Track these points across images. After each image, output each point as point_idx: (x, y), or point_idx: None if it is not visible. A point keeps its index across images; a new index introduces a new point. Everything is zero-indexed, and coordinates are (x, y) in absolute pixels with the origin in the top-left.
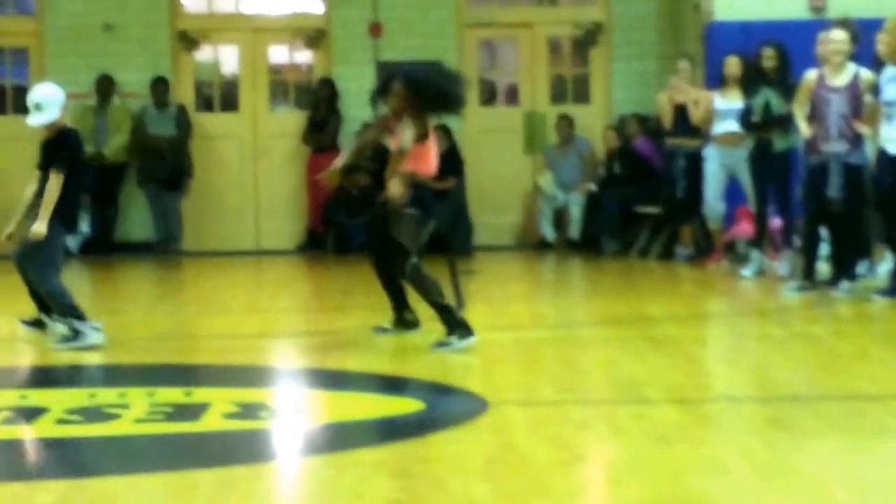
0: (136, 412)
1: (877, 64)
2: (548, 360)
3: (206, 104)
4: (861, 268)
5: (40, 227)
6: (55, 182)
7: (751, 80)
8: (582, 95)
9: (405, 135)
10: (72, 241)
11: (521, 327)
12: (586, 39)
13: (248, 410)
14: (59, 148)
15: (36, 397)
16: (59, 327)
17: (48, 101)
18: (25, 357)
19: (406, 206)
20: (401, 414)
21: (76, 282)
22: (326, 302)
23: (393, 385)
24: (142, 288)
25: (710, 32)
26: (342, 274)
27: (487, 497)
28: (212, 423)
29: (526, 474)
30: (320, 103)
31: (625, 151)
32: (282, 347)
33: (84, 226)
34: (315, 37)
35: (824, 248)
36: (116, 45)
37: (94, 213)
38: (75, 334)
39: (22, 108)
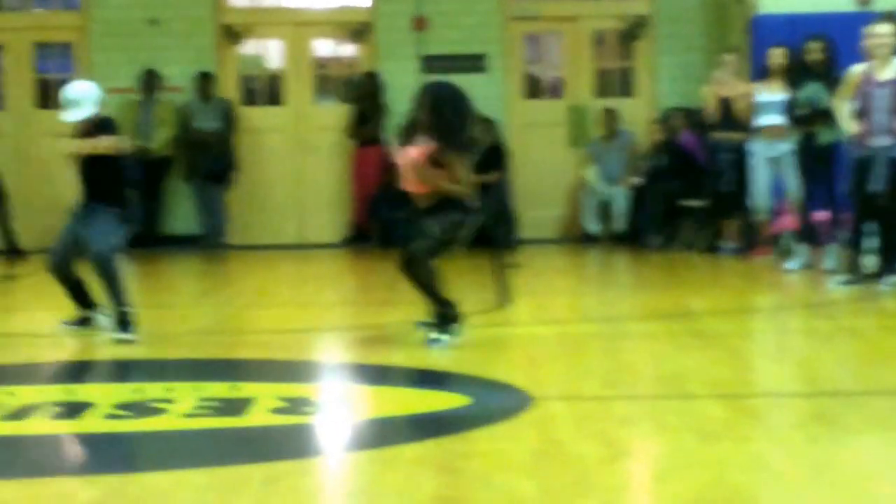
0: (182, 407)
1: None
2: (592, 354)
3: (250, 98)
4: None
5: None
6: (112, 141)
7: (796, 73)
8: (626, 89)
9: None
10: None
11: (565, 321)
12: (631, 33)
13: (294, 405)
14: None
15: (83, 392)
16: (103, 319)
17: (83, 98)
18: (71, 352)
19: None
20: (445, 409)
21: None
22: (371, 296)
23: (437, 380)
24: (187, 282)
25: (755, 25)
26: (387, 268)
27: (532, 493)
28: (257, 417)
29: (570, 470)
30: (365, 97)
31: (669, 145)
32: (327, 342)
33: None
34: (360, 30)
35: (871, 242)
36: (161, 39)
37: (140, 207)
38: (123, 325)
39: None
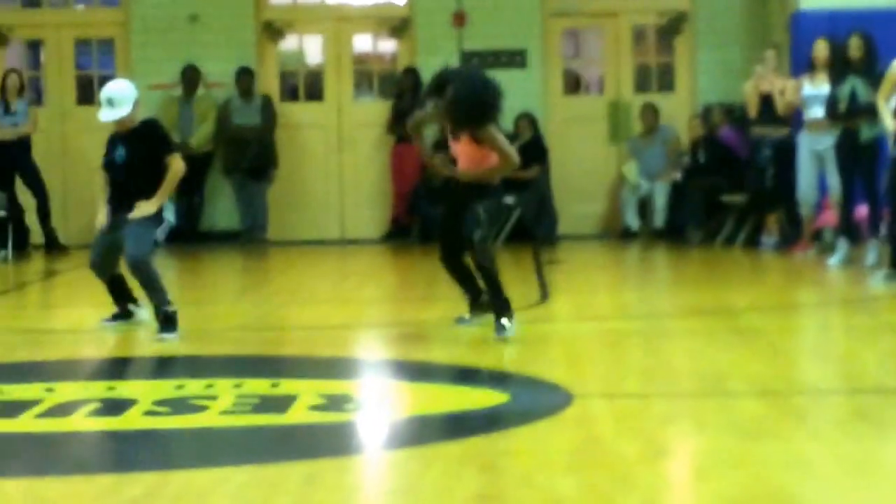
0: (223, 404)
1: None
2: (632, 351)
3: (290, 94)
4: None
5: (151, 207)
6: (178, 164)
7: (837, 69)
8: (666, 84)
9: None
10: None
11: (605, 318)
12: (671, 28)
13: (334, 402)
14: (159, 135)
15: (124, 389)
16: (143, 314)
17: (121, 97)
18: (113, 349)
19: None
20: (485, 406)
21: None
22: (411, 292)
23: (477, 377)
24: (227, 278)
25: (795, 21)
26: (427, 264)
27: (572, 491)
28: (298, 415)
29: (611, 468)
30: (404, 93)
31: (709, 140)
32: (367, 338)
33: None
34: (399, 26)
35: None
36: (202, 35)
37: (180, 202)
38: (167, 324)
39: None
